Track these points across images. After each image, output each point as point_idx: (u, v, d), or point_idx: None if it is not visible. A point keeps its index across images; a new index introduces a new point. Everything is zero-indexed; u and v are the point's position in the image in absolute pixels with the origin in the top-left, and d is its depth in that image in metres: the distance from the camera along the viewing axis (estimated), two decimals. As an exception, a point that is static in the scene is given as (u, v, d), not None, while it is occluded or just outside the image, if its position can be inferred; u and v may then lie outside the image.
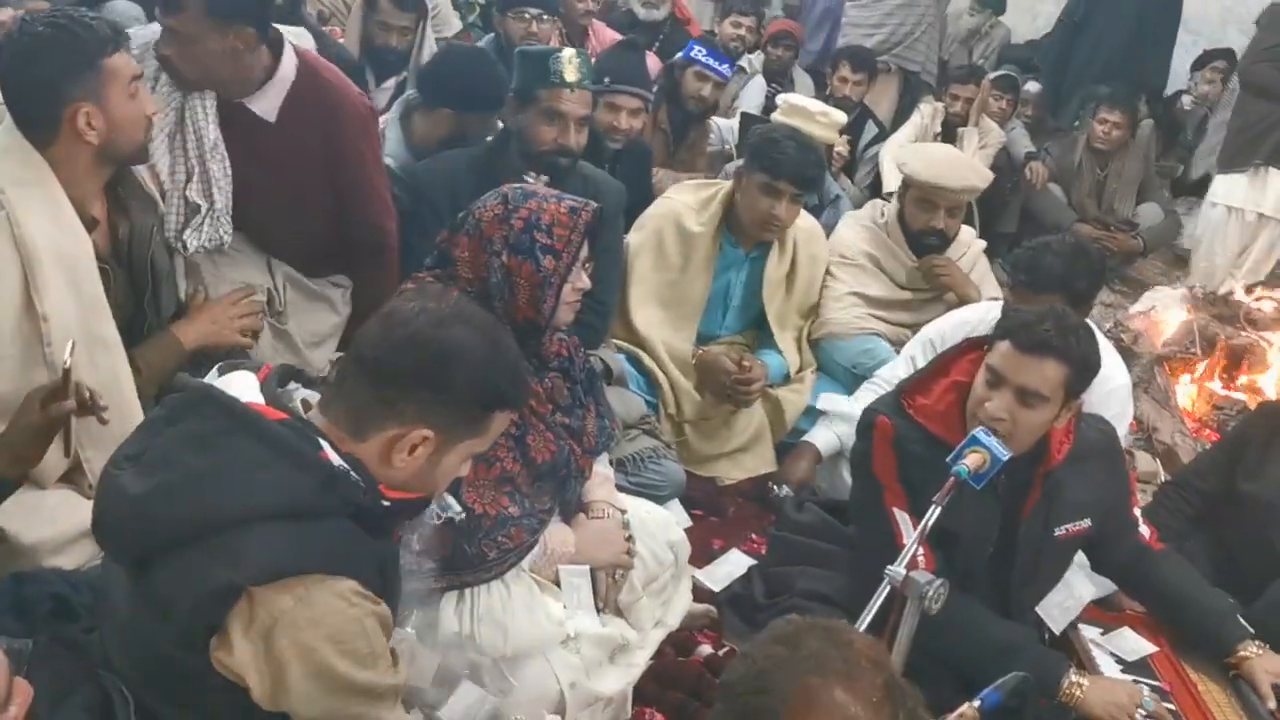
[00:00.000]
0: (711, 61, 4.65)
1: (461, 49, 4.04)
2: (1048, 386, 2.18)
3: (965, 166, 3.91)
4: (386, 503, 1.57)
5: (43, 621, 1.74)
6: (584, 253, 2.20)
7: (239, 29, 2.50)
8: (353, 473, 1.52)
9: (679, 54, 4.81)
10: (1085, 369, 2.22)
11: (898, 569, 1.84)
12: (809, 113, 4.36)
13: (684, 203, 3.58)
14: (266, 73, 2.65)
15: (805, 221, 3.75)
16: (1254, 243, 5.38)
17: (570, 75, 3.01)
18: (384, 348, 1.54)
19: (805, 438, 3.43)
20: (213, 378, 1.62)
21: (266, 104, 2.66)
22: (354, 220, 2.89)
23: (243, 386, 1.57)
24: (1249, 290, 4.87)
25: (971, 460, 2.03)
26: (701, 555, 2.97)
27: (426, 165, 3.25)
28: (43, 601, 1.78)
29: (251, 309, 2.68)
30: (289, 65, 2.68)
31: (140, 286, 2.38)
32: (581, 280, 2.21)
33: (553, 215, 2.15)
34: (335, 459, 1.51)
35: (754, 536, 3.21)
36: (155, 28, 2.58)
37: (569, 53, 3.07)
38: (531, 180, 2.88)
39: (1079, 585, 2.58)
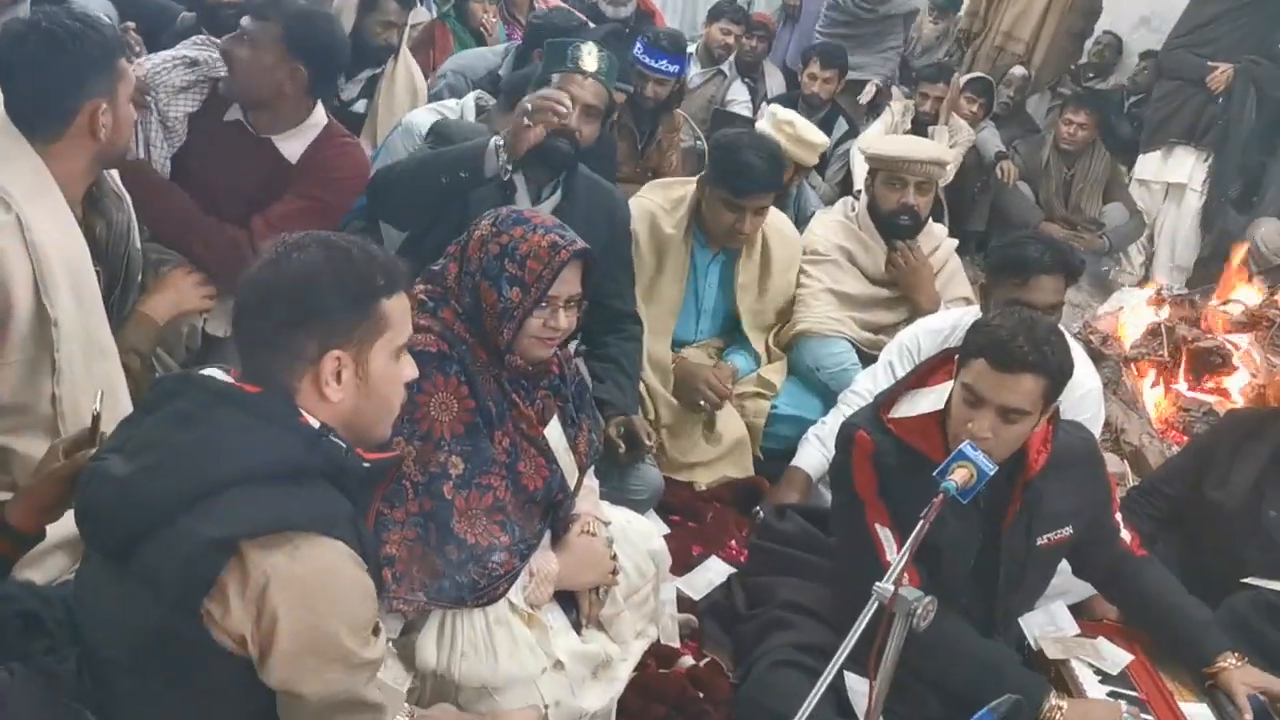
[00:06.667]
0: (648, 60, 4.43)
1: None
2: (1029, 401, 2.17)
3: (928, 143, 4.05)
4: (366, 464, 1.60)
5: (13, 639, 1.69)
6: (561, 290, 2.11)
7: (298, 66, 2.70)
8: (332, 434, 1.55)
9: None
10: (1062, 376, 2.21)
11: (886, 585, 1.82)
12: (787, 132, 4.14)
13: (656, 203, 3.53)
14: (300, 118, 2.81)
15: (776, 219, 3.70)
16: (1165, 218, 5.95)
17: (588, 64, 2.94)
18: (252, 312, 1.57)
19: (794, 462, 3.26)
20: None
21: (294, 146, 2.82)
22: None
23: (216, 374, 1.60)
24: (1217, 294, 4.92)
25: (959, 475, 2.00)
26: (680, 563, 2.95)
27: (388, 169, 3.09)
28: (13, 618, 1.73)
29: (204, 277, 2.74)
30: (320, 115, 2.87)
31: (111, 285, 2.36)
32: (556, 319, 2.13)
33: (531, 246, 2.08)
34: (314, 421, 1.55)
35: (733, 543, 3.18)
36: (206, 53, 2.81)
37: (590, 44, 3.00)
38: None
39: (1061, 617, 2.58)
